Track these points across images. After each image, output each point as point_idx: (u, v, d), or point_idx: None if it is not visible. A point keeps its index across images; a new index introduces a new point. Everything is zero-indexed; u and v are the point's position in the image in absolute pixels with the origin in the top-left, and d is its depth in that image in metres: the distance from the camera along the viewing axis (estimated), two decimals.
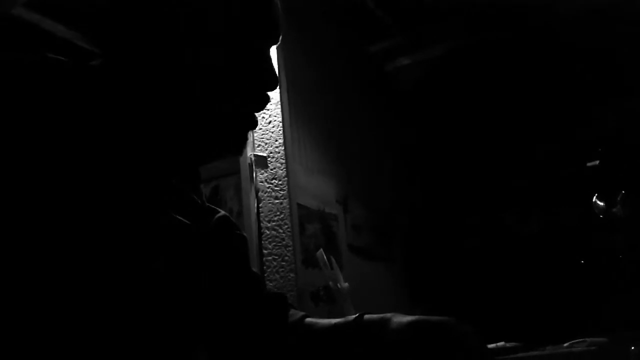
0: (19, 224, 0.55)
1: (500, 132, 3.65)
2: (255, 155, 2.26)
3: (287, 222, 2.21)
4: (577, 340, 1.54)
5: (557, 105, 3.49)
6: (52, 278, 0.55)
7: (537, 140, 3.57)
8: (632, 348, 1.26)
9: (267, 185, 2.25)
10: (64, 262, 0.56)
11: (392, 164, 3.37)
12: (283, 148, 2.29)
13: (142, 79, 0.70)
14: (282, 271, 2.16)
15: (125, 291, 0.59)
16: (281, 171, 2.26)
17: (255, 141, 2.31)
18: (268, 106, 2.31)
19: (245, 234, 0.92)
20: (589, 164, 2.71)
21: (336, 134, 2.77)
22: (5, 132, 0.56)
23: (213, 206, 0.88)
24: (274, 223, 2.21)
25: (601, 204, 2.50)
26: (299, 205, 2.31)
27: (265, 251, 2.18)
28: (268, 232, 2.20)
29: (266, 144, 2.31)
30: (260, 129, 2.32)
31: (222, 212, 0.88)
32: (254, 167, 2.25)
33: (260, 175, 2.26)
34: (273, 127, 2.31)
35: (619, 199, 2.45)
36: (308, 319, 0.86)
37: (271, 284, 2.11)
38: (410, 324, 0.72)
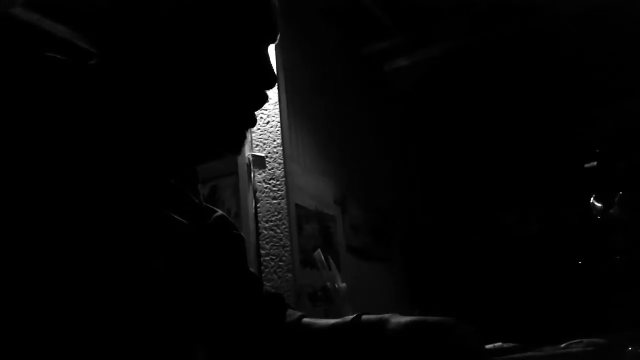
0: (17, 224, 0.55)
1: (499, 132, 3.66)
2: (253, 156, 2.26)
3: (285, 223, 2.21)
4: (574, 341, 1.55)
5: (557, 105, 3.50)
6: (51, 277, 0.55)
7: (537, 140, 3.57)
8: (629, 349, 1.26)
9: (265, 186, 2.25)
10: (63, 261, 0.56)
11: (390, 165, 3.37)
12: (281, 148, 2.29)
13: (140, 78, 0.70)
14: (280, 271, 2.16)
15: (125, 290, 0.59)
16: (279, 171, 2.26)
17: (254, 141, 2.31)
18: (266, 106, 2.31)
19: (242, 234, 0.92)
20: (586, 165, 2.72)
21: (334, 134, 2.77)
22: (2, 131, 0.56)
23: (211, 206, 0.88)
24: (271, 223, 2.21)
25: (599, 205, 2.51)
26: (296, 205, 2.31)
27: (263, 251, 2.18)
28: (266, 232, 2.20)
29: (264, 144, 2.31)
30: (259, 129, 2.32)
31: (220, 212, 0.88)
32: (252, 167, 2.25)
33: (258, 176, 2.26)
34: (271, 127, 2.31)
35: (616, 200, 2.45)
36: (305, 319, 0.86)
37: (269, 284, 2.11)
38: (408, 324, 0.72)
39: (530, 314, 3.12)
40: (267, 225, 2.21)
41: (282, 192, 2.24)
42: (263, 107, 2.38)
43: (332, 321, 0.82)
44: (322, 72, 2.78)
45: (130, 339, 0.60)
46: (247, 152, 2.26)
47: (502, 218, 3.62)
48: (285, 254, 2.18)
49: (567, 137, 3.45)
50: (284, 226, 2.20)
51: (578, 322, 2.62)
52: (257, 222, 2.21)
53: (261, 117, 2.31)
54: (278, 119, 2.30)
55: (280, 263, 2.17)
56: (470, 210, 3.68)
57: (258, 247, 2.18)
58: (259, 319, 0.85)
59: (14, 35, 0.62)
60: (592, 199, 2.54)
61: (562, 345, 1.56)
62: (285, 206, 2.22)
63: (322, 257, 2.09)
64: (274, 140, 2.30)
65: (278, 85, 2.33)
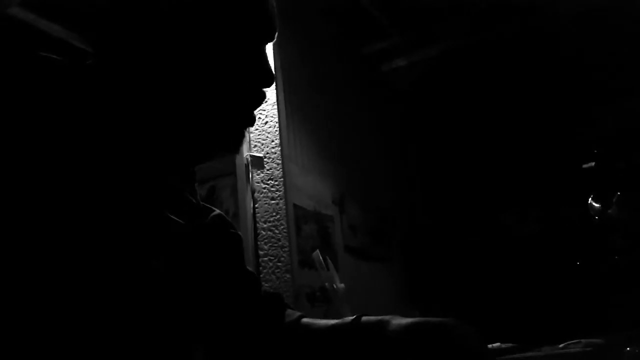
0: (16, 224, 0.54)
1: (499, 132, 3.66)
2: (251, 156, 2.26)
3: (283, 223, 2.20)
4: (572, 341, 1.55)
5: (557, 105, 3.50)
6: (51, 277, 0.55)
7: (537, 140, 3.57)
8: (628, 349, 1.26)
9: (263, 186, 2.25)
10: (64, 261, 0.55)
11: (389, 164, 3.37)
12: (279, 149, 2.29)
13: (137, 77, 0.70)
14: (278, 272, 2.16)
15: (126, 290, 0.59)
16: (277, 172, 2.26)
17: (252, 142, 2.31)
18: (264, 107, 2.31)
19: (240, 233, 0.91)
20: (584, 166, 2.72)
21: (333, 134, 2.77)
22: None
23: (208, 205, 0.87)
24: (270, 224, 2.21)
25: (597, 205, 2.51)
26: (295, 205, 2.30)
27: (261, 252, 2.18)
28: (264, 232, 2.20)
29: (262, 144, 2.30)
30: (257, 129, 2.32)
31: (217, 211, 0.88)
32: (250, 167, 2.24)
33: (257, 176, 2.26)
34: (269, 127, 2.31)
35: (614, 200, 2.45)
36: (305, 320, 0.86)
37: (267, 285, 2.11)
38: (410, 325, 0.72)
39: (529, 314, 3.12)
40: (265, 225, 2.21)
41: (281, 193, 2.24)
42: (261, 108, 2.38)
43: (331, 322, 0.82)
44: (320, 72, 2.78)
45: (131, 338, 0.60)
46: (246, 153, 2.26)
47: (502, 218, 3.62)
48: (284, 255, 2.18)
49: (567, 137, 3.45)
50: (282, 227, 2.20)
51: (577, 322, 2.62)
52: (255, 222, 2.20)
53: (259, 118, 2.31)
54: (276, 119, 2.30)
55: (279, 264, 2.17)
56: (470, 210, 3.68)
57: (256, 247, 2.17)
58: (258, 319, 0.85)
59: (9, 35, 0.62)
60: (590, 199, 2.54)
61: (561, 346, 1.56)
62: (284, 206, 2.22)
63: (321, 257, 2.08)
64: (272, 141, 2.30)
65: (276, 85, 2.33)
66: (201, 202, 0.85)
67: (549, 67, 3.37)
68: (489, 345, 1.67)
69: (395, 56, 3.32)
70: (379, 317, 0.77)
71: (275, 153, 2.28)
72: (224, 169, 2.27)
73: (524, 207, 3.59)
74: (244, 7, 0.73)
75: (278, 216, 2.21)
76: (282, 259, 2.17)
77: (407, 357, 0.70)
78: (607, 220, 2.47)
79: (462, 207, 3.70)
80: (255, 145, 2.30)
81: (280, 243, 2.19)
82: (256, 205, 2.23)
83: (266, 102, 2.30)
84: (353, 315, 0.80)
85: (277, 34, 0.79)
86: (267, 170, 2.26)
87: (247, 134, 2.27)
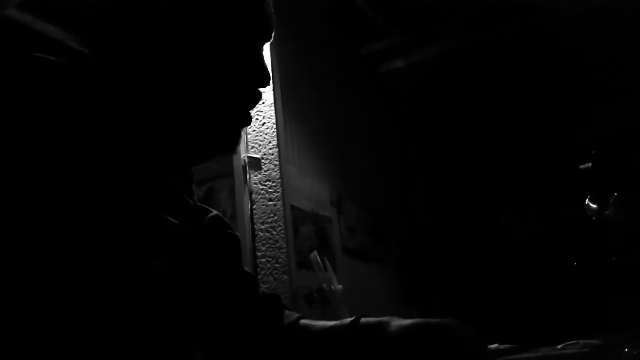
0: (16, 226, 0.54)
1: (498, 132, 3.66)
2: (248, 157, 2.25)
3: (281, 224, 2.20)
4: (570, 342, 1.54)
5: (557, 105, 3.50)
6: (51, 277, 0.55)
7: (537, 140, 3.58)
8: (626, 350, 1.26)
9: (261, 187, 2.25)
10: (64, 261, 0.55)
11: (387, 165, 3.37)
12: (277, 150, 2.28)
13: (134, 78, 0.70)
14: (276, 273, 2.16)
15: (126, 290, 0.59)
16: (275, 173, 2.26)
17: (249, 143, 2.30)
18: (262, 108, 2.31)
19: (237, 234, 0.91)
20: (581, 167, 2.72)
21: (331, 135, 2.77)
22: None
23: (205, 206, 0.87)
24: (267, 225, 2.21)
25: (594, 206, 2.51)
26: (292, 207, 2.30)
27: (259, 253, 2.17)
28: (262, 234, 2.20)
29: (260, 145, 2.30)
30: (254, 130, 2.31)
31: (214, 212, 0.88)
32: (247, 168, 2.24)
33: (254, 177, 2.25)
34: (267, 128, 2.31)
35: (611, 201, 2.45)
36: (303, 321, 0.86)
37: (265, 286, 2.10)
38: (410, 326, 0.72)
39: (527, 315, 3.12)
40: (263, 227, 2.21)
41: (278, 194, 2.24)
42: (259, 109, 2.38)
43: (330, 323, 0.82)
44: (318, 73, 2.78)
45: (131, 338, 0.60)
46: (243, 154, 2.26)
47: (502, 218, 3.63)
48: (281, 256, 2.17)
49: (567, 137, 3.45)
50: (279, 228, 2.20)
51: (575, 323, 2.63)
52: (252, 223, 2.20)
53: (257, 119, 2.31)
54: (274, 121, 2.30)
55: (276, 265, 2.17)
56: (470, 210, 3.69)
57: (254, 248, 2.17)
58: (256, 320, 0.85)
59: (6, 36, 0.62)
60: (587, 200, 2.54)
61: (559, 347, 1.55)
62: (281, 208, 2.22)
63: (318, 258, 2.08)
64: (270, 142, 2.29)
65: (273, 86, 2.33)
66: (199, 203, 0.85)
67: (549, 67, 3.37)
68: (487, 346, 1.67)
69: (394, 56, 3.32)
70: (378, 319, 0.77)
71: (273, 154, 2.28)
72: (222, 170, 2.27)
73: (524, 207, 3.59)
74: (241, 7, 0.73)
75: (276, 217, 2.21)
76: (280, 260, 2.17)
77: (407, 359, 0.70)
78: (605, 220, 2.47)
79: (461, 207, 3.70)
80: (253, 147, 2.30)
81: (277, 244, 2.18)
82: (254, 207, 2.22)
83: (263, 103, 2.30)
84: (351, 317, 0.80)
85: (274, 34, 0.79)
86: (265, 171, 2.26)
87: (244, 135, 2.28)
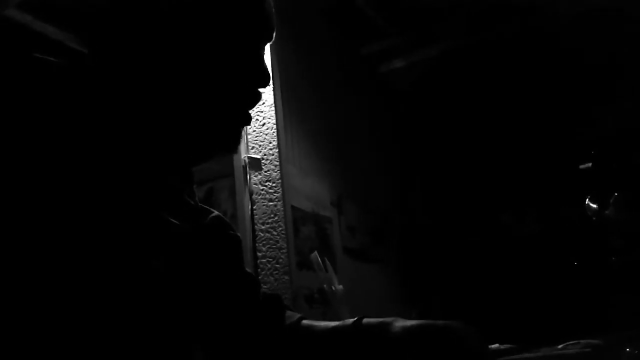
0: (16, 226, 0.54)
1: (498, 132, 3.66)
2: (249, 158, 2.25)
3: (282, 225, 2.20)
4: (571, 342, 1.54)
5: (557, 105, 3.50)
6: (51, 277, 0.55)
7: (537, 140, 3.58)
8: (627, 350, 1.26)
9: (261, 188, 2.25)
10: (64, 261, 0.55)
11: (387, 165, 3.37)
12: (277, 150, 2.28)
13: (134, 78, 0.70)
14: (277, 274, 2.16)
15: (126, 290, 0.59)
16: (275, 173, 2.26)
17: (249, 143, 2.30)
18: (262, 108, 2.31)
19: (239, 234, 0.91)
20: (581, 167, 2.72)
21: (331, 135, 2.77)
22: None
23: (206, 207, 0.87)
24: (268, 225, 2.21)
25: (594, 206, 2.51)
26: (293, 207, 2.30)
27: (259, 254, 2.17)
28: (262, 234, 2.20)
29: (260, 146, 2.30)
30: (254, 131, 2.31)
31: (216, 212, 0.88)
32: (248, 169, 2.24)
33: (255, 178, 2.25)
34: (267, 129, 2.31)
35: (611, 201, 2.45)
36: (305, 321, 0.86)
37: (265, 287, 2.10)
38: (414, 328, 0.72)
39: (528, 315, 3.12)
40: (263, 227, 2.21)
41: (279, 194, 2.24)
42: (259, 109, 2.38)
43: (332, 324, 0.82)
44: (318, 73, 2.78)
45: (131, 338, 0.60)
46: (243, 154, 2.26)
47: (502, 218, 3.63)
48: (282, 256, 2.17)
49: (567, 137, 3.45)
50: (280, 228, 2.20)
51: (575, 322, 2.63)
52: (253, 224, 2.20)
53: (257, 119, 2.31)
54: (274, 121, 2.30)
55: (277, 265, 2.17)
56: (470, 210, 3.69)
57: (254, 249, 2.17)
58: (258, 320, 0.85)
59: (6, 37, 0.62)
60: (587, 200, 2.54)
61: (560, 347, 1.55)
62: (282, 208, 2.22)
63: (319, 259, 2.08)
64: (270, 142, 2.29)
65: (274, 87, 2.33)
66: (200, 204, 0.85)
67: (549, 67, 3.37)
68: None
69: (394, 56, 3.32)
70: (381, 319, 0.77)
71: (273, 155, 2.28)
72: (222, 170, 2.27)
73: (524, 208, 3.59)
74: (241, 7, 0.73)
75: (276, 218, 2.21)
76: (280, 260, 2.17)
77: (412, 358, 0.70)
78: (605, 220, 2.47)
79: (461, 207, 3.70)
80: (253, 147, 2.30)
81: (278, 245, 2.18)
82: (254, 207, 2.22)
83: (264, 103, 2.30)
84: (351, 317, 0.80)
85: (275, 34, 0.79)
86: (265, 172, 2.26)
87: (244, 135, 2.27)
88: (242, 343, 0.83)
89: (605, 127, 3.32)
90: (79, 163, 0.59)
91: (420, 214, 3.58)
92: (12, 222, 0.54)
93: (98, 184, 0.60)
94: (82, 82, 0.66)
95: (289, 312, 0.88)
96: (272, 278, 2.15)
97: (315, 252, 2.14)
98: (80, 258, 0.56)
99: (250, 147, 2.30)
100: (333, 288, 2.07)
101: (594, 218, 2.48)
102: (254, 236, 2.19)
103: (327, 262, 2.15)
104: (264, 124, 2.31)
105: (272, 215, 2.21)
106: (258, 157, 2.27)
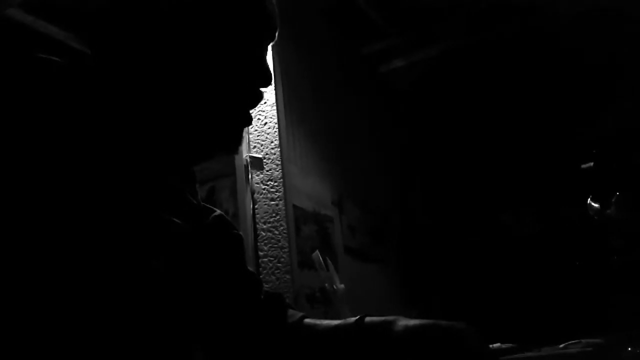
0: (16, 226, 0.54)
1: (499, 132, 3.66)
2: (250, 157, 2.25)
3: (283, 224, 2.20)
4: (572, 342, 1.54)
5: (557, 106, 3.50)
6: (51, 277, 0.55)
7: (537, 140, 3.58)
8: (629, 349, 1.26)
9: (263, 187, 2.25)
10: (64, 261, 0.55)
11: (387, 165, 3.37)
12: (279, 150, 2.29)
13: (136, 78, 0.70)
14: (278, 273, 2.16)
15: (126, 290, 0.59)
16: (277, 173, 2.26)
17: (251, 143, 2.31)
18: (264, 108, 2.31)
19: (241, 233, 0.91)
20: (583, 166, 2.72)
21: (332, 135, 2.77)
22: None
23: (209, 206, 0.87)
24: (269, 225, 2.21)
25: (596, 205, 2.51)
26: (294, 206, 2.30)
27: (261, 253, 2.18)
28: (264, 233, 2.20)
29: (262, 145, 2.30)
30: (256, 130, 2.31)
31: (218, 212, 0.88)
32: (249, 168, 2.24)
33: (256, 177, 2.26)
34: (269, 128, 2.31)
35: (613, 200, 2.45)
36: (307, 320, 0.86)
37: (267, 286, 2.10)
38: (417, 327, 0.72)
39: (529, 315, 3.12)
40: (265, 226, 2.21)
41: (280, 194, 2.24)
42: (260, 109, 2.38)
43: (334, 322, 0.82)
44: (319, 73, 2.78)
45: (131, 338, 0.59)
46: (245, 154, 2.26)
47: (502, 218, 3.63)
48: (283, 256, 2.17)
49: (567, 137, 3.45)
50: (281, 227, 2.20)
51: (576, 322, 2.62)
52: (254, 223, 2.20)
53: (259, 119, 2.31)
54: (275, 120, 2.30)
55: (278, 264, 2.17)
56: (470, 210, 3.69)
57: (256, 248, 2.17)
58: (260, 319, 0.85)
59: (7, 36, 0.62)
60: (589, 199, 2.54)
61: (561, 346, 1.55)
62: (283, 207, 2.22)
63: (320, 258, 2.08)
64: (272, 142, 2.30)
65: (275, 86, 2.33)
66: (202, 203, 0.85)
67: (549, 67, 3.37)
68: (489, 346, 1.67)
69: (394, 56, 3.32)
70: (383, 318, 0.77)
71: (275, 154, 2.28)
72: (224, 170, 2.27)
73: (524, 207, 3.59)
74: (242, 7, 0.73)
75: (278, 217, 2.21)
76: (282, 259, 2.17)
77: (414, 358, 0.70)
78: (606, 220, 2.47)
79: (461, 207, 3.70)
80: (255, 147, 2.30)
81: (279, 244, 2.19)
82: (256, 206, 2.22)
83: (265, 102, 2.30)
84: (352, 316, 0.80)
85: (277, 34, 0.79)
86: (267, 171, 2.26)
87: (246, 134, 2.28)
88: (244, 342, 0.83)
89: (606, 127, 3.33)
90: (80, 162, 0.59)
91: (420, 214, 3.58)
92: (12, 221, 0.54)
93: (98, 184, 0.60)
94: (83, 82, 0.66)
95: (291, 311, 0.88)
96: (273, 277, 2.15)
97: (317, 251, 2.14)
98: (79, 258, 0.56)
99: (252, 147, 2.30)
100: (334, 287, 2.07)
101: (595, 217, 2.48)
102: (256, 235, 2.19)
103: (329, 261, 2.15)
104: (265, 124, 2.31)
105: (273, 215, 2.21)
106: (260, 156, 2.28)
